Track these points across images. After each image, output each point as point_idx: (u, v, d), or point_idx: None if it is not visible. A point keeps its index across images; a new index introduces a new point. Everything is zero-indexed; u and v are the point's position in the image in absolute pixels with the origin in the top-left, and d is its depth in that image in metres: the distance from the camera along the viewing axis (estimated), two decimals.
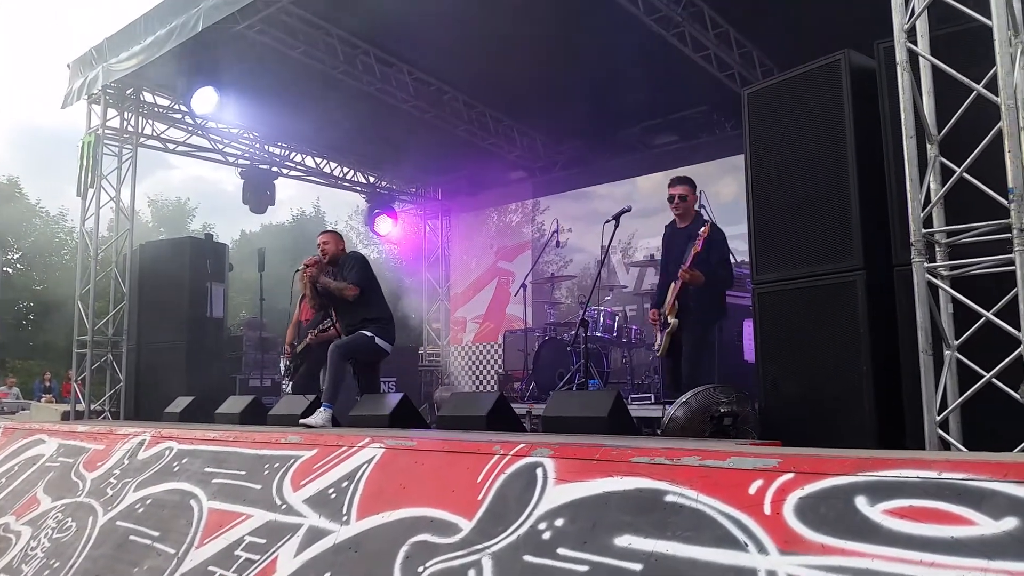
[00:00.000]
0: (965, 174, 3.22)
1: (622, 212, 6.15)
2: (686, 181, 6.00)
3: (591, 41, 7.71)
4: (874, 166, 3.78)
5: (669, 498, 2.60)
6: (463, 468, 3.32)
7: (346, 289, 6.14)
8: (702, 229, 5.62)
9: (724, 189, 8.79)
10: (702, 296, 5.71)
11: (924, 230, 3.30)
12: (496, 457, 3.25)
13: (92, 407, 8.60)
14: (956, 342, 3.27)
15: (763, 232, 4.30)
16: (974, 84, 3.18)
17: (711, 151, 9.74)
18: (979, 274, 3.25)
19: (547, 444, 3.19)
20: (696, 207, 6.15)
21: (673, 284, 5.76)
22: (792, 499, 2.32)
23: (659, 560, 2.43)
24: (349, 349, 6.07)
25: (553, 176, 11.88)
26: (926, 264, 3.29)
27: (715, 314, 5.91)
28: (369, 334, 6.13)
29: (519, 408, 7.43)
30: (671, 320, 5.74)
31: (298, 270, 6.28)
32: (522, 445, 3.24)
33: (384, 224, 12.54)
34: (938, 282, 3.31)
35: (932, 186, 3.38)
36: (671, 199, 5.97)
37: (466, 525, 3.02)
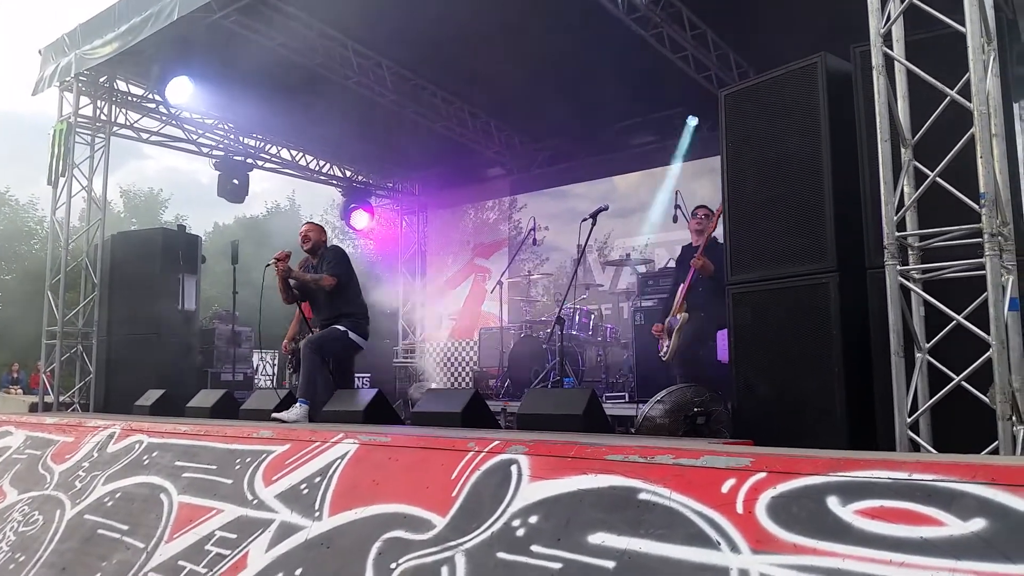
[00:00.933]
0: (938, 179, 3.26)
1: (599, 211, 6.17)
2: (705, 207, 6.34)
3: (571, 39, 7.71)
4: (849, 169, 3.82)
5: (643, 496, 2.60)
6: (437, 464, 3.31)
7: (322, 280, 6.09)
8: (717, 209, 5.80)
9: (700, 190, 8.83)
10: (711, 293, 5.84)
11: (897, 233, 3.34)
12: (471, 454, 3.24)
13: (61, 399, 8.48)
14: (927, 345, 3.31)
15: (737, 233, 4.32)
16: (948, 90, 3.22)
17: (688, 152, 9.78)
18: (950, 277, 3.30)
19: (522, 441, 3.18)
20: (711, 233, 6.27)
21: (681, 287, 6.01)
22: (764, 498, 2.33)
23: (632, 558, 2.44)
24: (322, 343, 6.01)
25: (531, 174, 11.89)
26: (899, 267, 3.32)
27: (722, 310, 6.04)
28: (343, 328, 6.07)
29: (494, 405, 7.43)
30: (680, 316, 5.90)
31: (269, 264, 6.17)
32: (497, 442, 3.23)
33: (360, 218, 12.48)
34: (910, 285, 3.35)
35: (906, 190, 3.42)
36: (694, 213, 6.33)
37: (440, 522, 3.01)
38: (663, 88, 8.76)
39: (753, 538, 2.25)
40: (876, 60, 3.41)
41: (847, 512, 2.15)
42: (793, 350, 3.93)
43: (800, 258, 3.96)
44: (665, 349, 6.05)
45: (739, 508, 2.35)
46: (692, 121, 9.48)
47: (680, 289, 6.03)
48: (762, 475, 2.41)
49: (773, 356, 4.04)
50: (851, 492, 2.20)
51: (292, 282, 6.19)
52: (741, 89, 4.49)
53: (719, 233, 5.92)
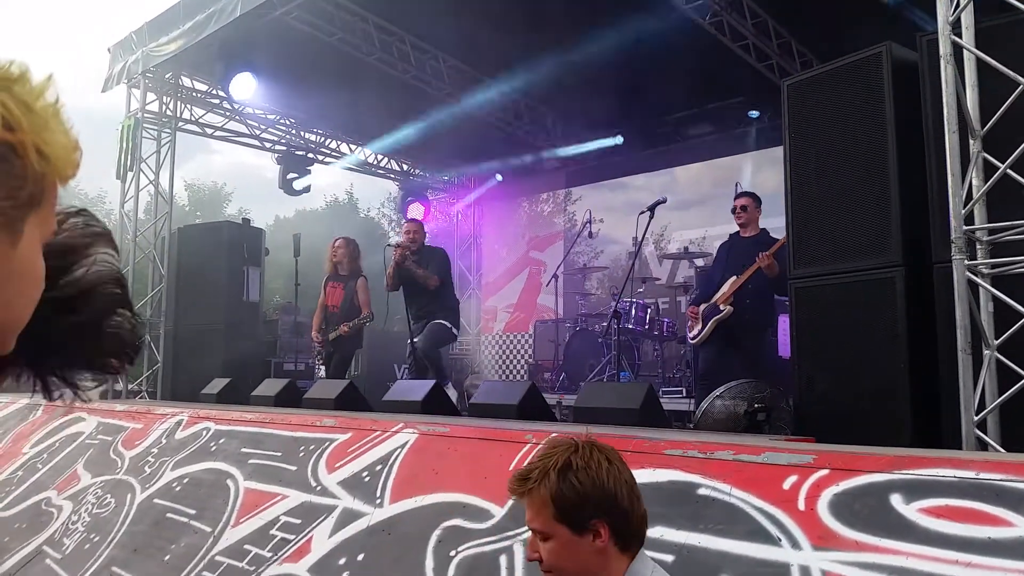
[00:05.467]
0: (1009, 170, 3.18)
1: (657, 203, 6.15)
2: (749, 194, 6.34)
3: (628, 28, 7.66)
4: (915, 161, 3.74)
5: (702, 491, 2.61)
6: (495, 455, 3.36)
7: (430, 279, 6.80)
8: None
9: (763, 182, 8.71)
10: (764, 296, 5.95)
11: (965, 227, 3.27)
12: (528, 446, 3.28)
13: (129, 387, 8.76)
14: (996, 341, 3.23)
15: (801, 226, 4.27)
16: (1021, 78, 3.13)
17: (749, 143, 9.66)
18: (1021, 272, 3.21)
19: (579, 434, 3.21)
20: (759, 220, 6.29)
21: (734, 279, 5.96)
22: (827, 495, 2.32)
23: (691, 552, 2.45)
24: (436, 340, 6.85)
25: (586, 166, 11.84)
26: (967, 262, 3.25)
27: (772, 316, 6.23)
28: (447, 324, 6.85)
29: (549, 398, 7.45)
30: (724, 307, 5.87)
31: (390, 245, 7.00)
32: (554, 434, 3.26)
33: (416, 212, 12.59)
34: (978, 280, 3.27)
35: (974, 182, 3.34)
36: (734, 209, 6.29)
37: (498, 511, 3.05)
38: (723, 78, 8.65)
39: (815, 535, 2.24)
40: (944, 49, 3.33)
41: (911, 510, 2.13)
42: (856, 346, 3.88)
43: (865, 252, 3.89)
44: (696, 332, 6.06)
45: (801, 505, 2.35)
46: (754, 114, 9.39)
47: (732, 280, 5.98)
48: (824, 472, 2.40)
49: (836, 352, 3.99)
50: (915, 490, 2.18)
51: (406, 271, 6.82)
52: (804, 79, 4.42)
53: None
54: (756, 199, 6.27)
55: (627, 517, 1.63)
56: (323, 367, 7.90)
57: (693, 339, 6.18)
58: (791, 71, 7.58)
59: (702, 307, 6.11)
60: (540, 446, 1.74)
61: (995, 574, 1.89)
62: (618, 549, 1.62)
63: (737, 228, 6.32)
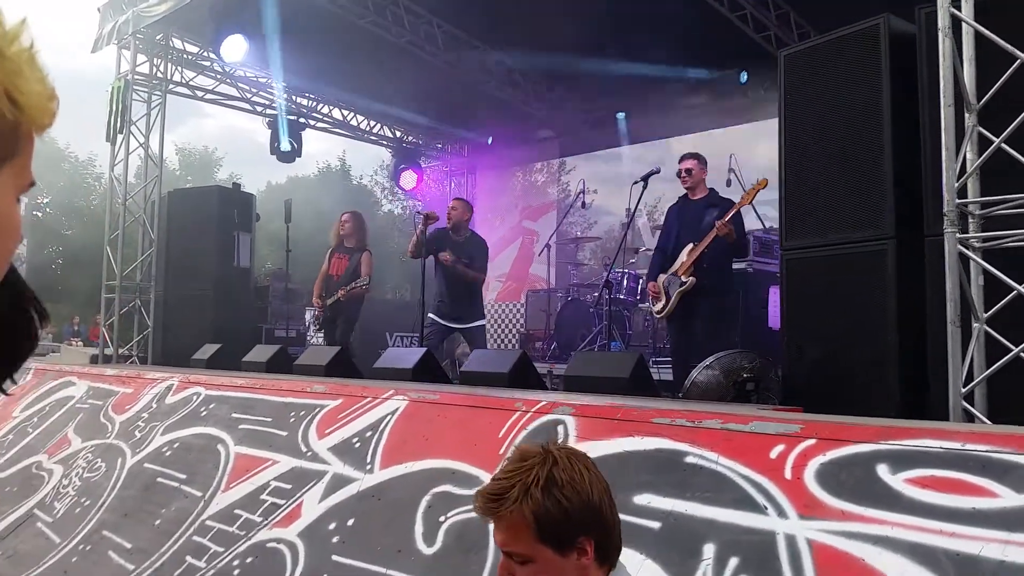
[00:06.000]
0: (1004, 144, 3.17)
1: (650, 174, 6.11)
2: (693, 156, 6.11)
3: None
4: (910, 134, 3.73)
5: (689, 459, 2.63)
6: (485, 423, 3.37)
7: (477, 277, 7.06)
8: (752, 185, 5.74)
9: (758, 153, 8.69)
10: (719, 260, 5.79)
11: (958, 200, 3.27)
12: (518, 414, 3.29)
13: (120, 351, 8.75)
14: (985, 314, 3.25)
15: (794, 198, 4.26)
16: (1020, 53, 3.11)
17: (745, 114, 9.61)
18: (1011, 246, 3.22)
19: (569, 403, 3.22)
20: (706, 181, 6.14)
21: (690, 247, 5.77)
22: (813, 465, 2.34)
23: (677, 519, 2.47)
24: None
25: (581, 136, 11.77)
26: (958, 235, 3.25)
27: (728, 279, 6.04)
28: (483, 323, 7.16)
29: (540, 367, 7.47)
30: (685, 279, 5.72)
31: (419, 212, 7.02)
32: (544, 403, 3.28)
33: (409, 179, 12.52)
34: (970, 253, 3.28)
35: (968, 156, 3.33)
36: (679, 173, 6.09)
37: (487, 478, 3.06)
38: (719, 48, 8.58)
39: (801, 504, 2.26)
40: (943, 21, 3.30)
41: (897, 480, 2.16)
42: (847, 317, 3.89)
43: (857, 224, 3.89)
44: (661, 306, 5.89)
45: (787, 474, 2.37)
46: (743, 77, 9.25)
47: (690, 248, 5.78)
48: (811, 442, 2.42)
49: (826, 323, 4.00)
50: (901, 461, 2.20)
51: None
52: (801, 50, 4.39)
53: (753, 183, 5.82)
54: (702, 160, 6.09)
55: (610, 530, 1.54)
56: (320, 333, 7.95)
57: (659, 313, 6.05)
58: (788, 42, 7.53)
59: (661, 279, 5.96)
60: (506, 460, 1.60)
61: (978, 544, 1.91)
62: (598, 563, 1.52)
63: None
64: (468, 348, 7.26)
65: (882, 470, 2.21)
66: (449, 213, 7.12)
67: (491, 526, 1.55)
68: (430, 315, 6.97)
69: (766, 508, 2.32)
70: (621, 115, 10.63)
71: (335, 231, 7.86)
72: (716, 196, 6.01)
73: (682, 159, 6.12)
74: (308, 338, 10.03)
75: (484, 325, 7.27)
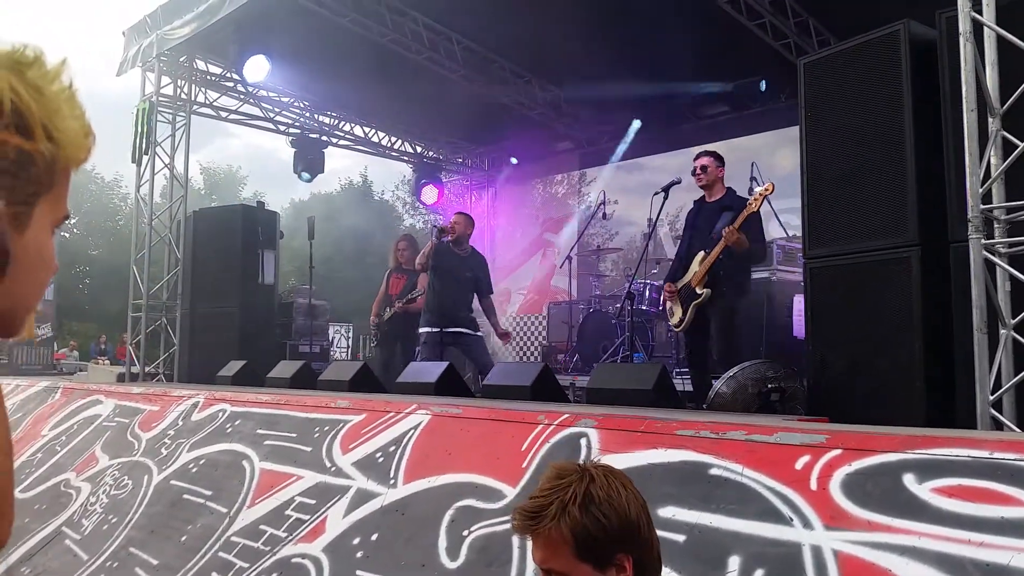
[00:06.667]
0: None
1: (672, 184, 6.10)
2: (708, 153, 6.01)
3: (642, 6, 7.59)
4: (932, 139, 3.70)
5: (714, 471, 2.61)
6: (508, 436, 3.37)
7: (490, 302, 7.31)
8: (757, 191, 5.56)
9: (780, 161, 8.65)
10: (735, 269, 5.64)
11: (983, 206, 3.24)
12: (541, 427, 3.29)
13: (147, 369, 8.84)
14: (1013, 321, 3.21)
15: (816, 205, 4.23)
16: None
17: (766, 122, 9.58)
18: None
19: (591, 415, 3.22)
20: (724, 180, 6.02)
21: (703, 254, 5.67)
22: (839, 475, 2.32)
23: (702, 532, 2.46)
24: (485, 360, 6.97)
25: (601, 147, 11.78)
26: (983, 240, 3.22)
27: (745, 288, 5.85)
28: (481, 335, 7.15)
29: (562, 380, 7.46)
30: (700, 291, 5.61)
31: (436, 226, 7.38)
32: (567, 415, 3.28)
33: (430, 194, 12.59)
34: (995, 259, 3.24)
35: (992, 161, 3.30)
36: (694, 171, 5.99)
37: (510, 492, 3.07)
38: (739, 57, 8.57)
39: (827, 515, 2.24)
40: (964, 26, 3.29)
41: (923, 490, 2.13)
42: (871, 326, 3.85)
43: (881, 232, 3.86)
44: (679, 319, 5.79)
45: (813, 485, 2.35)
46: (762, 86, 9.23)
47: (701, 257, 5.67)
48: (837, 452, 2.40)
49: (851, 331, 3.97)
50: (928, 470, 2.18)
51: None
52: (821, 58, 4.37)
53: (775, 192, 5.68)
54: (717, 157, 5.96)
55: (648, 547, 1.55)
56: (376, 348, 8.36)
57: (676, 327, 5.95)
58: (808, 50, 7.50)
59: (679, 284, 5.85)
60: (544, 477, 1.60)
61: (1008, 554, 1.88)
62: None
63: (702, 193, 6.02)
64: (468, 364, 7.27)
65: (909, 480, 2.18)
66: (452, 227, 7.03)
67: (528, 542, 1.55)
68: (423, 328, 6.88)
69: (792, 519, 2.30)
70: (636, 123, 10.62)
71: (393, 255, 8.26)
72: (732, 197, 5.86)
73: (697, 156, 6.03)
74: (332, 353, 10.10)
75: (482, 336, 7.24)
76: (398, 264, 8.11)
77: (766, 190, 5.50)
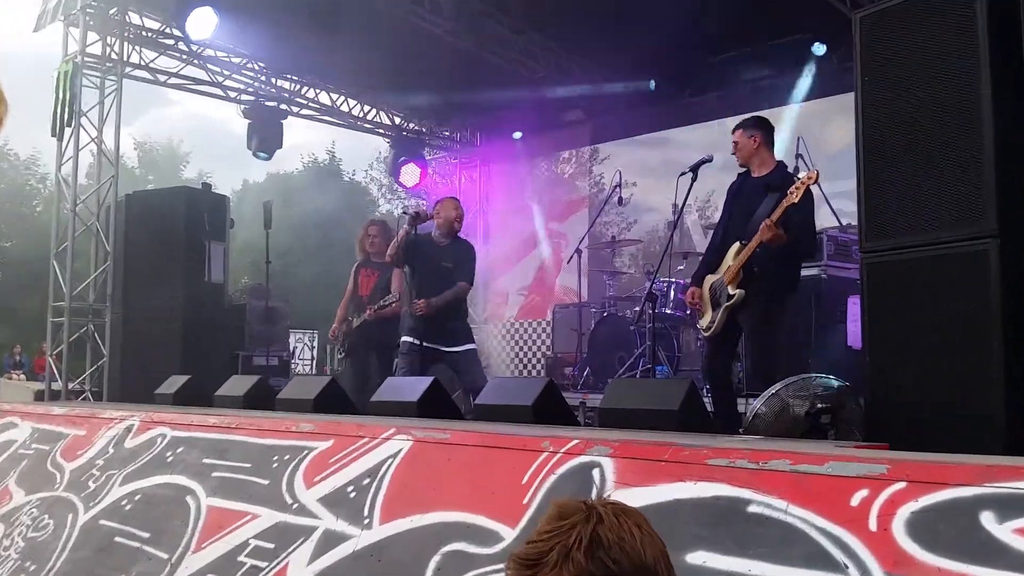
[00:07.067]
0: None
1: (701, 163, 6.09)
2: (745, 123, 5.96)
3: None
4: (1015, 114, 3.71)
5: (753, 508, 2.61)
6: (505, 467, 3.37)
7: (460, 292, 6.88)
8: (800, 178, 5.44)
9: (830, 135, 8.66)
10: (776, 266, 5.54)
11: None
12: (545, 455, 3.29)
13: (70, 386, 8.83)
14: None
15: (875, 189, 4.24)
16: None
17: (814, 89, 9.59)
18: None
19: (605, 441, 3.22)
20: (771, 152, 5.93)
21: (738, 245, 5.56)
22: (903, 513, 2.32)
23: None
24: (478, 378, 6.76)
25: (616, 118, 11.77)
26: None
27: (787, 286, 5.70)
28: (474, 347, 7.09)
29: (571, 398, 7.48)
30: (733, 291, 5.53)
31: (406, 213, 7.11)
32: (576, 442, 3.28)
33: (411, 175, 12.57)
34: None
35: None
36: (736, 131, 5.95)
37: (509, 534, 3.07)
38: (782, 10, 8.58)
39: (889, 560, 2.25)
40: None
41: (1004, 531, 2.13)
42: (941, 333, 3.86)
43: (952, 220, 3.86)
44: (709, 321, 5.72)
45: (872, 525, 2.35)
46: (819, 49, 9.27)
47: (736, 249, 5.58)
48: (901, 485, 2.40)
49: (916, 341, 3.97)
50: (1010, 507, 2.18)
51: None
52: (881, 10, 4.37)
53: (825, 173, 5.51)
54: (751, 127, 5.86)
55: None
56: (346, 360, 8.25)
57: (705, 331, 5.86)
58: (865, 2, 7.51)
59: (709, 283, 5.77)
60: (544, 518, 1.58)
61: None
62: None
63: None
64: (457, 383, 7.17)
65: (987, 518, 2.19)
66: (437, 212, 7.00)
67: None
68: (405, 338, 6.86)
69: (847, 567, 2.30)
70: (651, 83, 10.59)
71: (360, 245, 8.02)
72: (782, 174, 5.76)
73: (734, 130, 5.98)
74: (293, 367, 10.11)
75: (475, 349, 7.20)
76: (367, 256, 7.95)
77: (809, 178, 5.32)
